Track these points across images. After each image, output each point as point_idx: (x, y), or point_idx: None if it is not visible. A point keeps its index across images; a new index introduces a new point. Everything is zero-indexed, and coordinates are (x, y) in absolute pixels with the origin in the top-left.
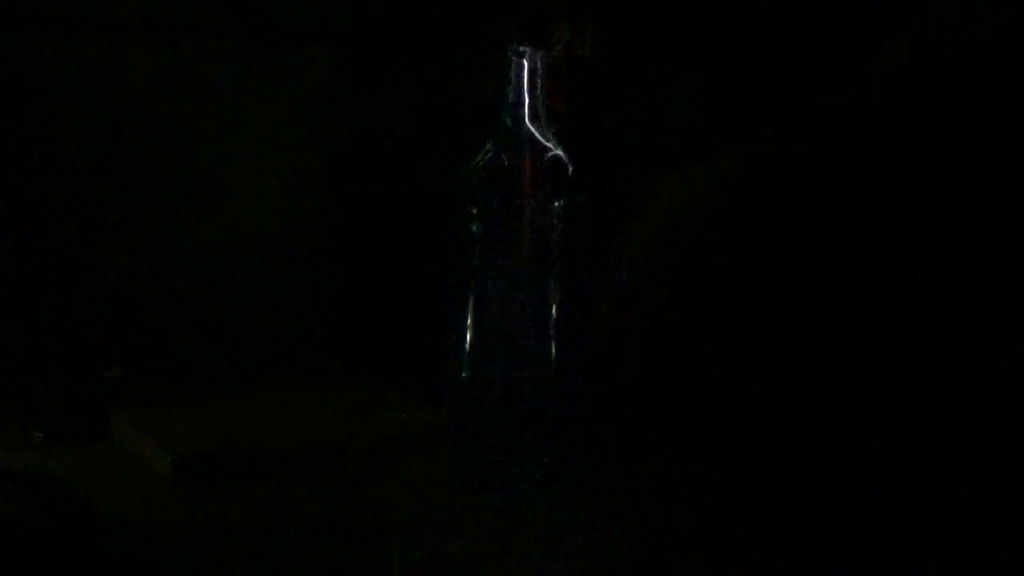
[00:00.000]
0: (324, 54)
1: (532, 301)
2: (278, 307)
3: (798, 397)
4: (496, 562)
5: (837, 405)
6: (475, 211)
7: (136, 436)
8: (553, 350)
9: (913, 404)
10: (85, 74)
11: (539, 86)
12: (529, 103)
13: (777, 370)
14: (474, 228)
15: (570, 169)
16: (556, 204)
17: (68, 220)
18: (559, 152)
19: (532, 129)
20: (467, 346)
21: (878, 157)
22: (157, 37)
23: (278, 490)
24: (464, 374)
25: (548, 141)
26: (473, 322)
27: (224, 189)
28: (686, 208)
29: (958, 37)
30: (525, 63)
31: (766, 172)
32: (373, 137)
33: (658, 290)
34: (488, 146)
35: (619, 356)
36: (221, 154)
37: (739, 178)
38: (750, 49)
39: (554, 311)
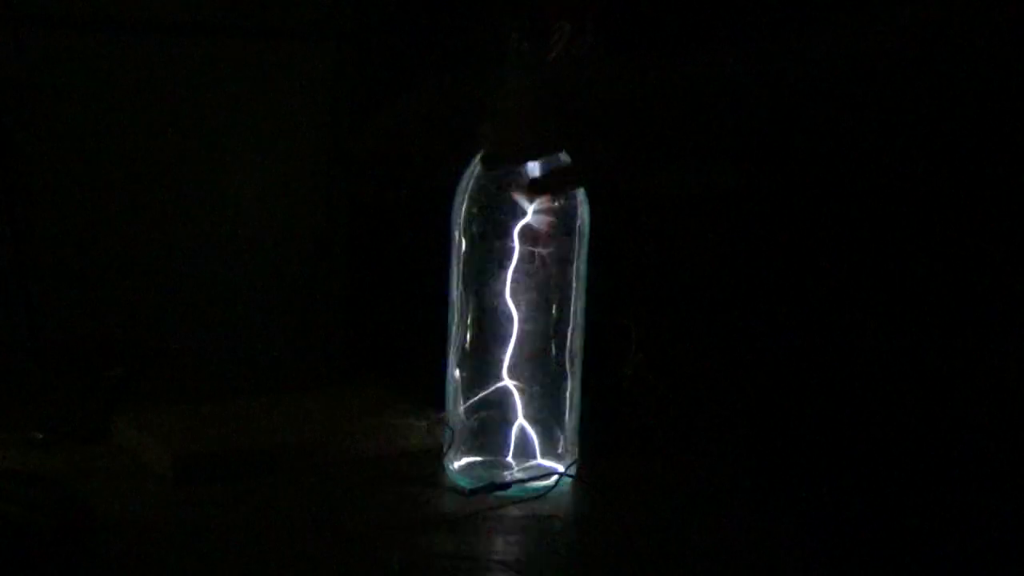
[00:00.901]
0: (324, 54)
1: (531, 301)
2: (278, 307)
3: (796, 397)
4: (494, 562)
5: (836, 405)
6: (475, 211)
7: (136, 436)
8: (553, 350)
9: (913, 404)
10: (85, 74)
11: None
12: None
13: (776, 370)
14: (474, 228)
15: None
16: (556, 204)
17: (68, 220)
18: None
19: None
20: (467, 346)
21: (877, 156)
22: (157, 37)
23: (278, 490)
24: (464, 374)
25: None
26: (473, 322)
27: (224, 189)
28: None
29: (956, 36)
30: (525, 63)
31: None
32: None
33: None
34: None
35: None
36: (221, 154)
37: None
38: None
39: (554, 311)
